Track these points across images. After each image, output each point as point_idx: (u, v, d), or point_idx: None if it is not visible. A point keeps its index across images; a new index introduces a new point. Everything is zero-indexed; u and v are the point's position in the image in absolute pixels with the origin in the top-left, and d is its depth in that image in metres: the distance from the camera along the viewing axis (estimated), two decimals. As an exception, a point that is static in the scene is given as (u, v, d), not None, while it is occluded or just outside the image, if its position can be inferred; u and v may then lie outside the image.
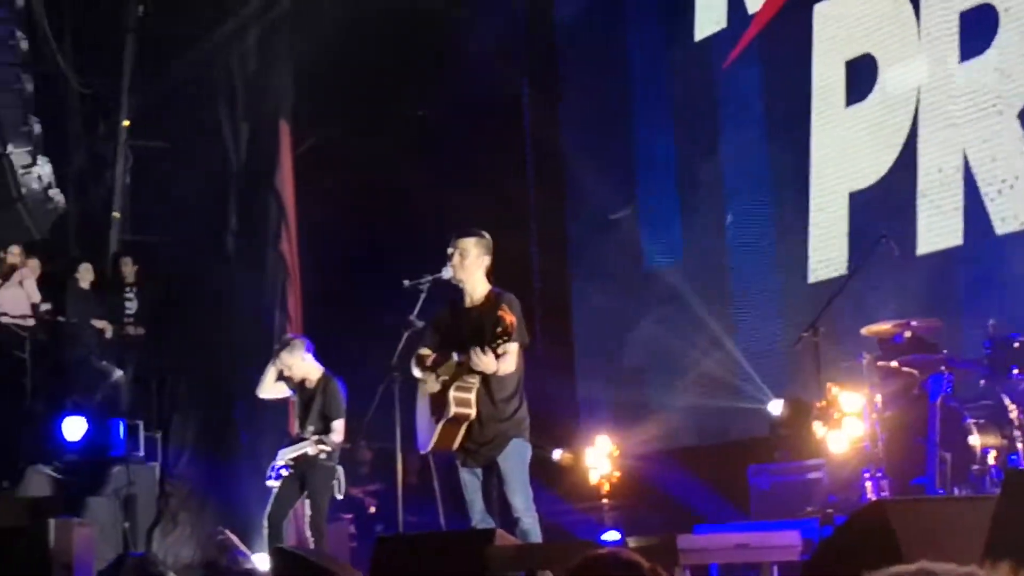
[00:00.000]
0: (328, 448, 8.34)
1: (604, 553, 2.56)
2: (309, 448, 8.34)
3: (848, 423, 8.28)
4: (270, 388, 8.74)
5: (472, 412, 6.14)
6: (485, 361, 6.01)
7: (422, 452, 6.36)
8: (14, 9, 10.72)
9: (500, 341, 5.96)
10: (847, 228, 9.98)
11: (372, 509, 12.19)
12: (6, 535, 10.88)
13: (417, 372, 6.41)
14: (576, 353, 12.59)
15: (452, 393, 6.13)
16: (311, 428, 8.51)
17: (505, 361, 6.12)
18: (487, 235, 6.46)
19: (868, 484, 7.67)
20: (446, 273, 6.38)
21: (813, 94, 10.36)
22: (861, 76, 9.95)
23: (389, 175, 12.62)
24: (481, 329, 6.14)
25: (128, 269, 12.71)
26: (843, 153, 10.12)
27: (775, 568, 5.11)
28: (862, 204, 9.85)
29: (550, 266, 12.83)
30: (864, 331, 8.19)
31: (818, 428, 8.54)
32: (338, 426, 8.42)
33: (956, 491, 7.14)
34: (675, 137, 11.82)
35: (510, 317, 6.01)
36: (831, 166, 10.21)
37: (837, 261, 9.99)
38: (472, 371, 6.14)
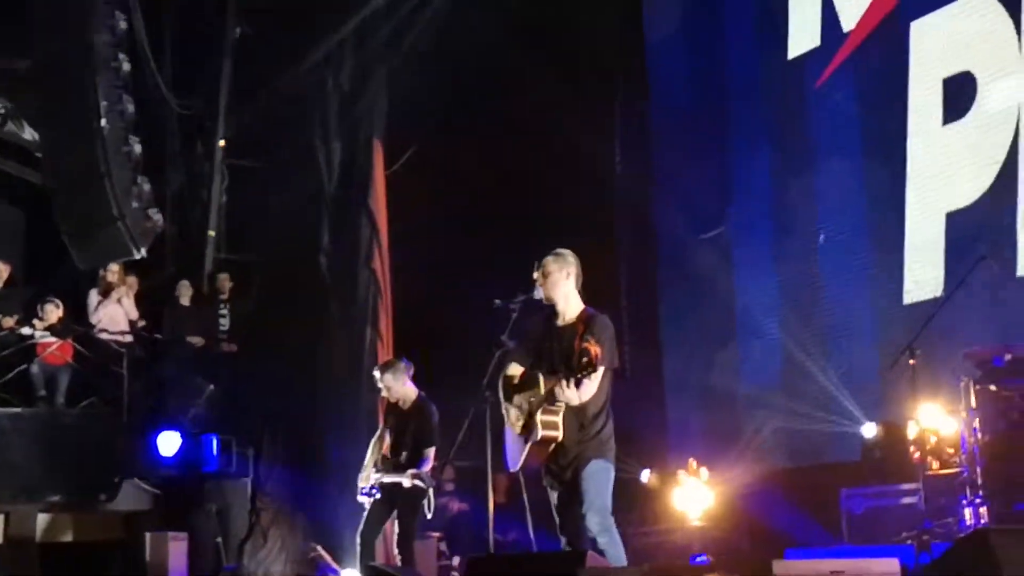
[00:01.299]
0: (422, 484, 8.37)
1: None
2: (404, 480, 8.38)
3: (945, 448, 8.11)
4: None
5: (559, 435, 6.15)
6: (568, 395, 6.06)
7: (510, 471, 6.35)
8: (117, 32, 10.96)
9: (583, 374, 5.97)
10: (944, 249, 9.79)
11: (456, 508, 12.21)
12: (103, 548, 11.19)
13: (503, 398, 6.43)
14: (665, 374, 12.50)
15: (539, 417, 6.14)
16: (404, 454, 8.54)
17: (587, 388, 6.12)
18: (566, 252, 6.46)
19: (967, 510, 7.50)
20: (538, 293, 6.39)
21: (909, 112, 10.20)
22: (959, 94, 9.77)
23: (480, 193, 12.68)
24: (570, 355, 6.14)
25: (224, 284, 12.91)
26: (940, 172, 9.94)
27: (871, 596, 5.00)
28: (960, 225, 9.66)
29: (639, 286, 12.78)
30: (964, 354, 8.01)
31: (914, 452, 8.38)
32: (430, 454, 8.46)
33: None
34: (768, 156, 11.70)
35: (595, 349, 6.00)
36: (928, 186, 10.03)
37: (933, 282, 9.80)
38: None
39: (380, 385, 8.79)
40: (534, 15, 12.36)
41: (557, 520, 6.30)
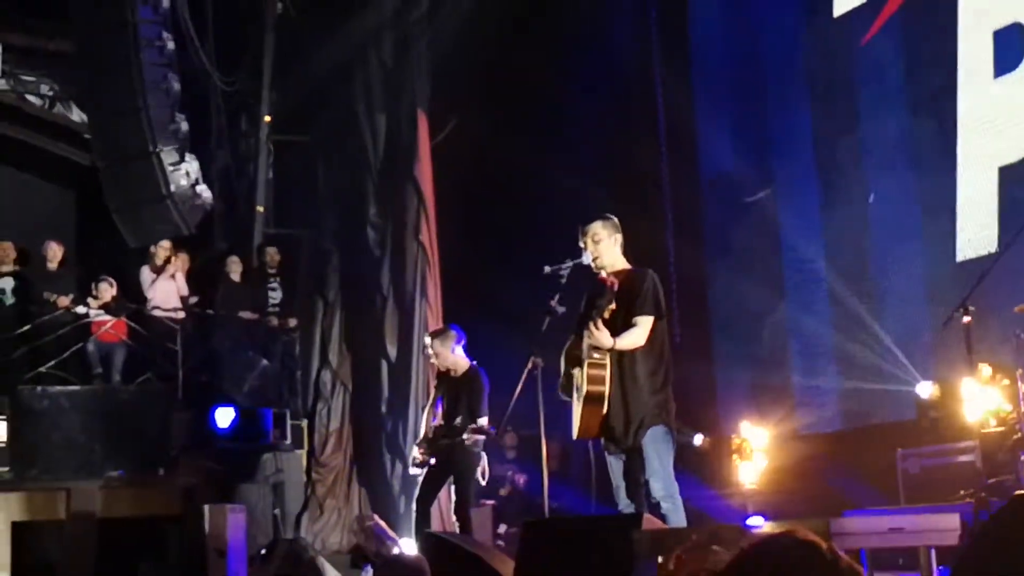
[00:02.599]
0: (480, 438, 8.41)
1: (780, 533, 2.51)
2: (465, 436, 8.42)
3: (1001, 405, 8.04)
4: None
5: (606, 389, 6.09)
6: (596, 335, 5.99)
7: (573, 439, 6.35)
8: (160, 11, 11.02)
9: (602, 306, 5.93)
10: (997, 204, 9.66)
11: (521, 480, 12.27)
12: (163, 521, 11.33)
13: (564, 369, 6.43)
14: (714, 337, 12.46)
15: (586, 371, 6.12)
16: (458, 420, 8.58)
17: (630, 335, 6.08)
18: (613, 217, 6.47)
19: (1025, 467, 7.44)
20: (586, 258, 6.39)
21: (959, 66, 10.05)
22: (1010, 45, 9.61)
23: (526, 162, 12.66)
24: (596, 304, 6.13)
25: (272, 258, 12.99)
26: (992, 126, 9.79)
27: (933, 552, 4.97)
28: (1013, 179, 9.52)
29: (686, 250, 12.72)
30: (1017, 309, 7.91)
31: (969, 410, 8.31)
32: (481, 421, 8.49)
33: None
34: (813, 115, 11.59)
35: (612, 279, 6.01)
36: (979, 140, 9.89)
37: (987, 239, 9.68)
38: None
39: (430, 352, 8.85)
40: None
41: (618, 486, 6.29)
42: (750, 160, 12.23)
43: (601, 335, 5.98)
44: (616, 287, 5.99)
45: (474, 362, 8.73)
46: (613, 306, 6.00)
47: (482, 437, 8.44)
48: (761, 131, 12.17)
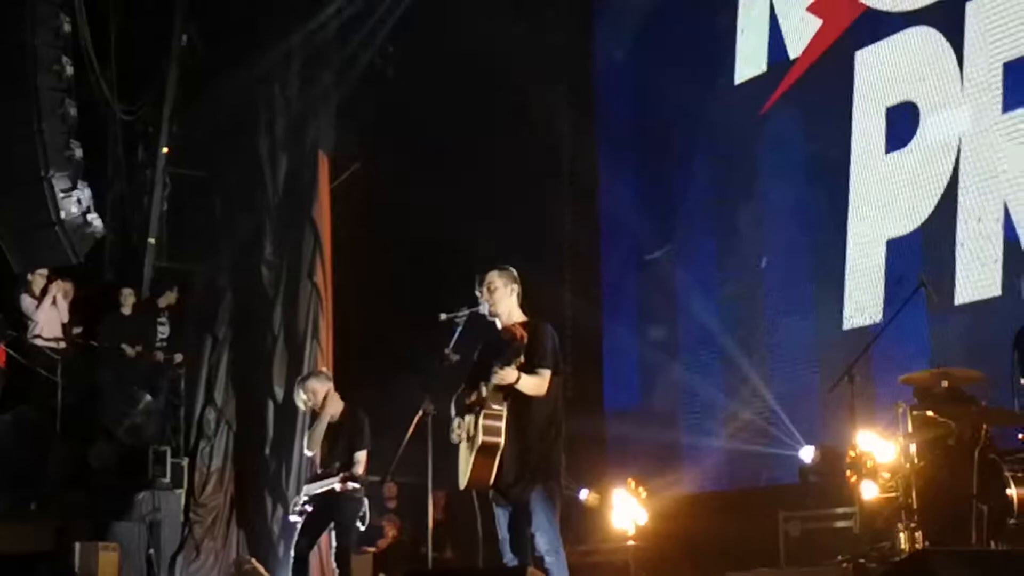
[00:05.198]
0: (355, 485, 8.31)
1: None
2: (336, 485, 8.32)
3: (881, 472, 8.19)
4: (317, 442, 8.65)
5: (501, 441, 6.07)
6: (501, 374, 5.99)
7: (461, 488, 6.30)
8: (60, 35, 10.82)
9: (511, 355, 5.94)
10: (884, 275, 9.92)
11: (391, 534, 12.16)
12: (32, 558, 10.96)
13: (453, 415, 6.39)
14: (606, 393, 12.53)
15: (481, 421, 6.09)
16: (337, 464, 8.48)
17: (533, 379, 6.08)
18: (511, 268, 6.50)
19: (902, 535, 7.57)
20: (483, 307, 6.38)
21: (853, 140, 10.34)
22: (902, 123, 9.93)
23: (426, 209, 12.63)
24: (502, 351, 6.12)
25: (169, 298, 12.73)
26: (882, 200, 10.08)
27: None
28: (900, 251, 9.80)
29: (583, 305, 12.80)
30: (901, 380, 8.11)
31: (850, 476, 8.45)
32: (360, 457, 8.39)
33: (992, 544, 7.02)
34: (714, 179, 11.80)
35: (520, 332, 6.02)
36: (869, 212, 10.17)
37: (873, 308, 9.93)
38: (500, 399, 6.10)
39: (304, 396, 8.71)
40: (482, 35, 12.40)
41: (503, 539, 6.26)
42: (652, 218, 12.39)
43: (506, 372, 5.97)
44: (524, 339, 5.98)
45: (349, 403, 8.64)
46: (522, 359, 6.00)
47: (358, 485, 8.34)
48: (664, 191, 12.34)
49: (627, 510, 10.66)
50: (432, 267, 12.22)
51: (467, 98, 12.51)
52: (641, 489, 10.80)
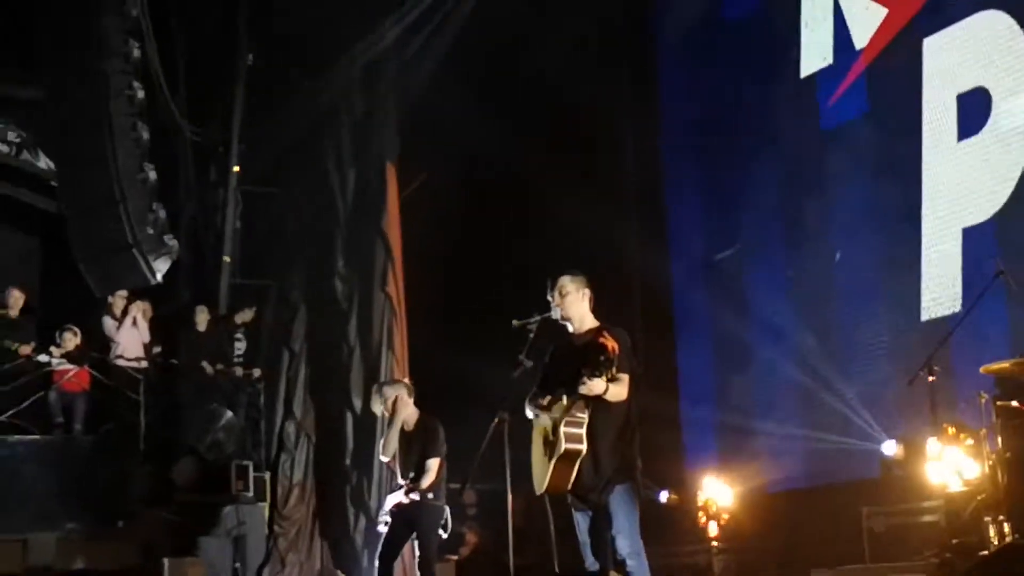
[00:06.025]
0: (416, 497, 8.34)
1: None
2: (403, 498, 8.37)
3: (966, 464, 8.06)
4: (392, 447, 8.69)
5: (583, 448, 6.07)
6: (591, 384, 5.97)
7: (538, 494, 6.30)
8: (131, 60, 11.01)
9: (603, 365, 5.91)
10: (961, 265, 9.76)
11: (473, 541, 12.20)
12: (120, 575, 11.16)
13: (529, 412, 6.39)
14: (682, 395, 12.47)
15: (562, 429, 6.08)
16: (412, 473, 8.52)
17: (616, 387, 6.06)
18: (581, 273, 6.48)
19: (990, 528, 7.43)
20: (555, 313, 6.38)
21: (924, 129, 10.19)
22: (974, 109, 9.75)
23: (493, 217, 12.71)
24: (587, 361, 6.09)
25: (245, 315, 12.90)
26: (956, 188, 9.91)
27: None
28: (976, 240, 9.63)
29: (654, 308, 12.76)
30: (983, 370, 7.96)
31: (934, 469, 8.32)
32: (432, 465, 8.39)
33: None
34: (782, 175, 11.69)
35: (611, 343, 5.98)
36: (944, 202, 10.01)
37: (951, 298, 9.77)
38: (582, 407, 6.09)
39: (378, 402, 8.76)
40: (543, 40, 12.43)
41: (584, 543, 6.25)
42: (718, 219, 12.32)
43: (594, 383, 5.97)
44: (616, 352, 5.97)
45: (424, 414, 8.67)
46: (614, 371, 5.99)
47: (437, 489, 8.36)
48: (730, 189, 12.26)
49: (708, 511, 10.60)
50: (501, 273, 12.25)
51: (529, 108, 12.53)
52: (721, 489, 10.73)
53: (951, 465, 8.09)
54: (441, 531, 8.53)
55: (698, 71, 12.89)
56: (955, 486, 8.05)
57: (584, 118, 12.81)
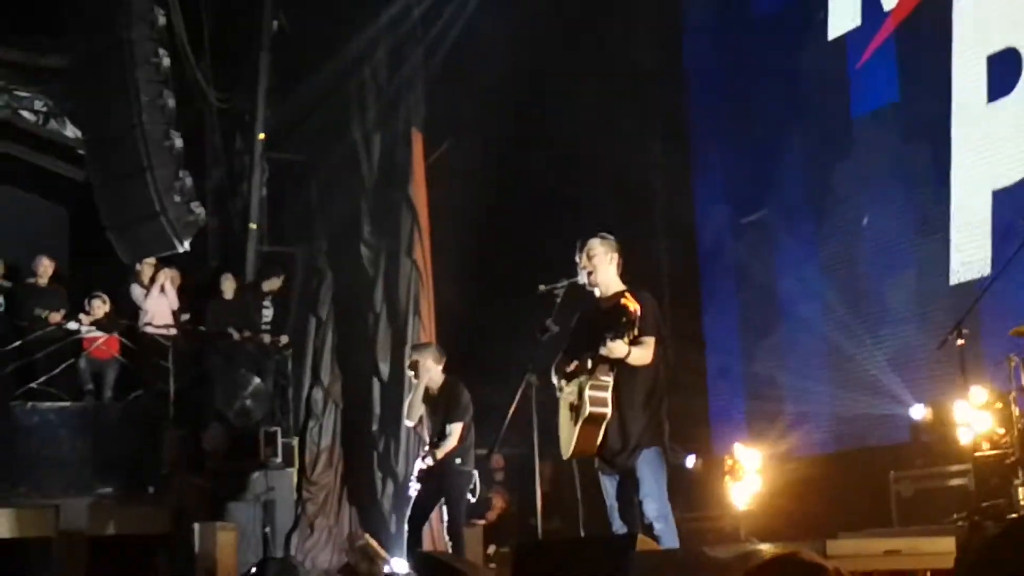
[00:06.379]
0: (434, 460, 8.37)
1: (785, 555, 2.50)
2: (420, 463, 8.42)
3: (995, 428, 8.03)
4: (416, 411, 8.72)
5: (608, 411, 6.07)
6: (612, 346, 5.94)
7: (564, 458, 6.32)
8: (156, 28, 11.01)
9: (624, 327, 5.89)
10: (991, 227, 9.68)
11: (500, 506, 12.27)
12: (153, 540, 11.28)
13: (555, 380, 6.40)
14: (709, 360, 12.46)
15: (588, 392, 6.07)
16: (436, 438, 8.56)
17: (639, 350, 6.04)
18: (611, 236, 6.45)
19: (1019, 490, 7.42)
20: (581, 277, 6.37)
21: (953, 90, 10.08)
22: (1004, 70, 9.64)
23: (520, 181, 12.66)
24: (611, 323, 6.08)
25: (273, 283, 12.94)
26: (986, 150, 9.81)
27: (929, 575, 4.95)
28: (1006, 202, 9.54)
29: (681, 271, 12.75)
30: (1012, 332, 7.92)
31: (963, 433, 8.30)
32: (454, 429, 8.40)
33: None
34: (809, 138, 11.62)
35: (633, 305, 5.95)
36: (973, 164, 9.91)
37: (981, 262, 9.69)
38: (606, 370, 6.08)
39: (410, 365, 8.79)
40: (570, 9, 12.34)
41: (611, 507, 6.27)
42: (747, 181, 12.26)
43: (616, 345, 5.95)
44: (638, 314, 5.94)
45: (451, 376, 8.69)
46: (635, 332, 5.97)
47: (466, 453, 8.40)
48: (757, 152, 12.19)
49: (736, 475, 10.61)
50: (528, 238, 12.23)
51: (552, 71, 12.46)
52: (749, 454, 10.74)
53: (980, 428, 8.06)
54: (470, 495, 8.58)
55: (724, 33, 12.78)
56: (984, 450, 8.03)
57: (609, 83, 12.73)
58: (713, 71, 12.92)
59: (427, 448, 8.63)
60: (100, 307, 12.05)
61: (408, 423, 8.93)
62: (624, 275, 6.47)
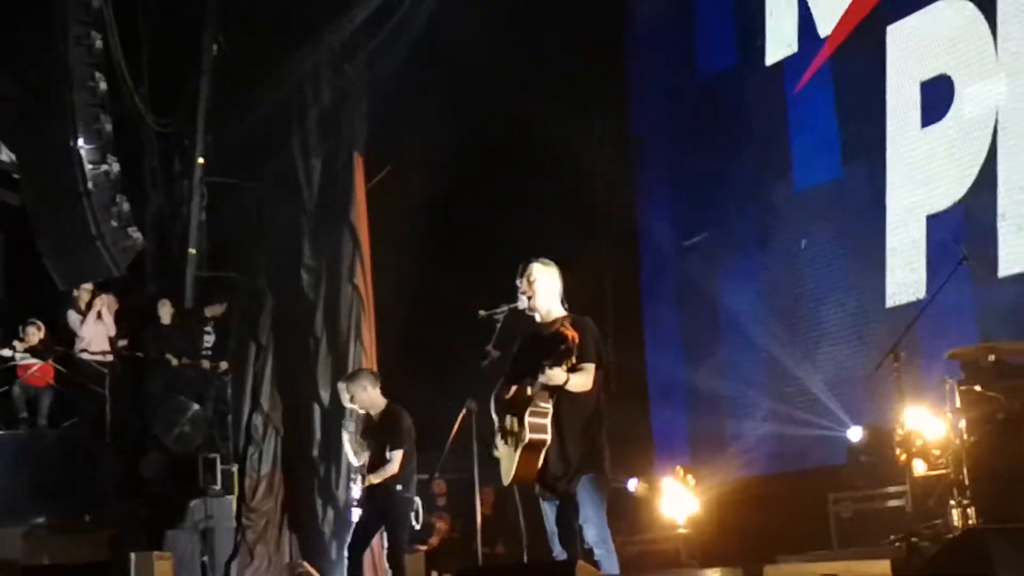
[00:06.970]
0: (374, 482, 8.34)
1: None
2: (359, 487, 8.39)
3: (931, 450, 8.12)
4: (362, 449, 8.67)
5: (548, 437, 6.06)
6: (551, 374, 5.94)
7: (505, 485, 6.29)
8: (93, 51, 10.90)
9: (562, 355, 5.90)
10: (925, 251, 9.82)
11: (443, 531, 12.21)
12: (87, 569, 11.09)
13: (493, 413, 6.38)
14: (651, 382, 12.51)
15: (527, 419, 6.06)
16: (376, 463, 8.51)
17: (579, 376, 6.05)
18: (551, 262, 6.46)
19: (955, 512, 7.50)
20: (522, 302, 6.36)
21: (888, 116, 10.24)
22: (937, 97, 9.81)
23: (462, 205, 12.65)
24: (550, 350, 6.08)
25: (215, 310, 12.84)
26: (920, 175, 9.97)
27: (864, 598, 4.99)
28: (940, 227, 9.69)
29: (624, 294, 12.79)
30: (948, 355, 8.03)
31: (900, 455, 8.38)
32: (395, 456, 8.35)
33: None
34: (749, 162, 11.73)
35: (571, 332, 5.96)
36: (907, 189, 10.07)
37: (915, 285, 9.83)
38: (546, 397, 6.07)
39: (345, 397, 8.77)
40: (512, 28, 12.38)
41: (552, 532, 6.25)
42: (689, 204, 12.35)
43: (555, 373, 5.95)
44: (576, 341, 5.94)
45: (392, 403, 8.65)
46: (573, 360, 5.97)
47: (407, 480, 8.36)
48: (700, 176, 12.29)
49: (676, 498, 10.64)
50: (469, 264, 12.22)
51: (495, 93, 12.48)
52: (689, 477, 10.77)
53: (917, 451, 8.14)
54: (413, 521, 8.53)
55: (668, 56, 12.88)
56: (921, 471, 8.11)
57: (553, 106, 12.76)
58: (656, 96, 13.00)
59: (363, 473, 8.58)
60: (35, 334, 11.87)
61: (355, 462, 8.85)
62: (566, 299, 6.47)
